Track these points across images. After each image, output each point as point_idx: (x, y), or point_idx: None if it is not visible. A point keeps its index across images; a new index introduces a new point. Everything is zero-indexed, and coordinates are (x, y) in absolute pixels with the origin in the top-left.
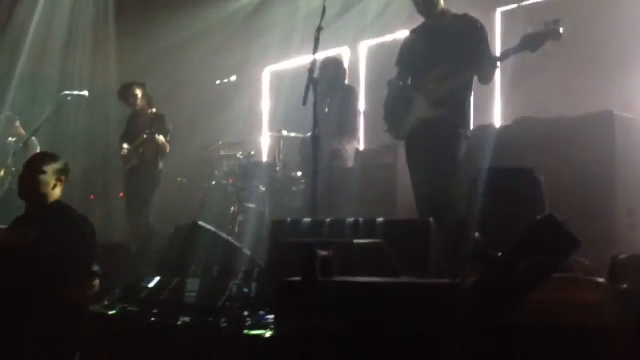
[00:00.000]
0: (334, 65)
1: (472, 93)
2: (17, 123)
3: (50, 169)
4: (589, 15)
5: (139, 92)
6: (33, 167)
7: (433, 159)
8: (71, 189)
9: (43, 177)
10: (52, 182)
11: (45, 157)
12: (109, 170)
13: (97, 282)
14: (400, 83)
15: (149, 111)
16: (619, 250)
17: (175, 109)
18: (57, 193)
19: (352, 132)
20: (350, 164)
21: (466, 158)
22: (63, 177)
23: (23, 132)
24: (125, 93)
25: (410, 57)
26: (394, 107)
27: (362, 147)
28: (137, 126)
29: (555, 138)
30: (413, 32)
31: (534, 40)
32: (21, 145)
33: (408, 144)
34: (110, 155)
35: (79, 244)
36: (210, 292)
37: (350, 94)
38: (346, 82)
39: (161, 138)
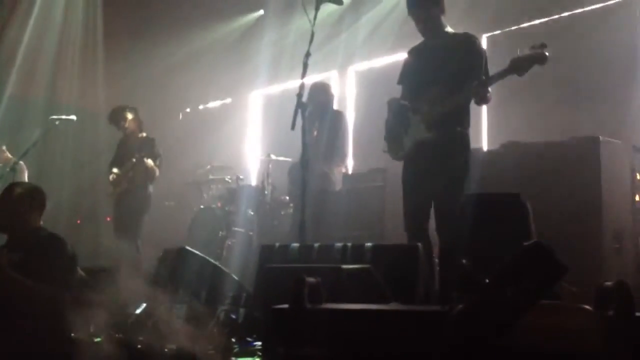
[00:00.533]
0: (322, 90)
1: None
2: (4, 147)
3: (25, 197)
4: (574, 41)
5: (130, 116)
6: (7, 197)
7: (428, 181)
8: (58, 212)
9: (18, 206)
10: (28, 210)
11: (17, 186)
12: (96, 194)
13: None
14: (404, 102)
15: (139, 135)
16: (606, 274)
17: (164, 132)
18: (35, 219)
19: (340, 156)
20: (338, 187)
21: None
22: (37, 204)
23: (10, 156)
24: (117, 116)
25: (410, 76)
26: (393, 127)
27: (350, 170)
28: (126, 150)
29: (541, 163)
30: (412, 51)
31: (521, 63)
32: (8, 169)
33: (404, 165)
34: (98, 179)
35: (58, 269)
36: (197, 318)
37: (338, 118)
38: (334, 106)
39: (150, 162)
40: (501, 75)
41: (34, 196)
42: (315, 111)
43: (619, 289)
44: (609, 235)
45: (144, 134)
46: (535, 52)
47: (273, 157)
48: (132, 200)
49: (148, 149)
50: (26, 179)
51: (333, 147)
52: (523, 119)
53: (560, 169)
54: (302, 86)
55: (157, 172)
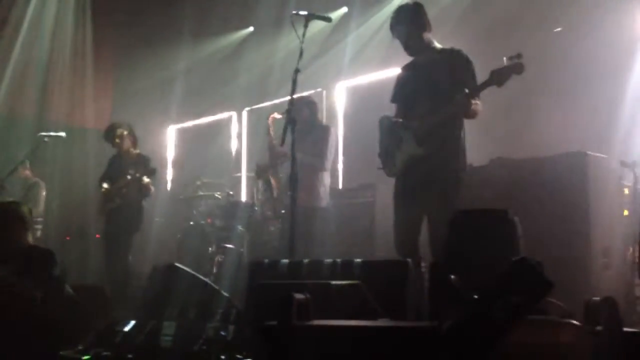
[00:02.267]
0: (306, 105)
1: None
2: (27, 164)
3: (8, 215)
4: (561, 56)
5: (125, 133)
6: None
7: (419, 196)
8: (47, 229)
9: (8, 224)
10: (11, 227)
11: (5, 205)
12: (85, 210)
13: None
14: (395, 119)
15: (133, 152)
16: (594, 289)
17: (153, 147)
18: (22, 236)
19: (323, 168)
20: (325, 202)
21: None
22: (24, 223)
23: (30, 173)
24: (112, 133)
25: (402, 92)
26: (385, 144)
27: (340, 185)
28: (120, 167)
29: (529, 178)
30: (404, 68)
31: (500, 74)
32: (26, 187)
33: (396, 180)
34: (87, 195)
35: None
36: (186, 335)
37: (325, 132)
38: (320, 120)
39: (146, 179)
40: (482, 86)
41: (18, 214)
42: (301, 126)
43: (607, 304)
44: (597, 250)
45: (138, 151)
46: (513, 62)
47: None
48: (125, 216)
49: (144, 165)
50: (43, 198)
51: (320, 161)
52: (510, 134)
53: (548, 184)
54: (291, 102)
55: (152, 189)
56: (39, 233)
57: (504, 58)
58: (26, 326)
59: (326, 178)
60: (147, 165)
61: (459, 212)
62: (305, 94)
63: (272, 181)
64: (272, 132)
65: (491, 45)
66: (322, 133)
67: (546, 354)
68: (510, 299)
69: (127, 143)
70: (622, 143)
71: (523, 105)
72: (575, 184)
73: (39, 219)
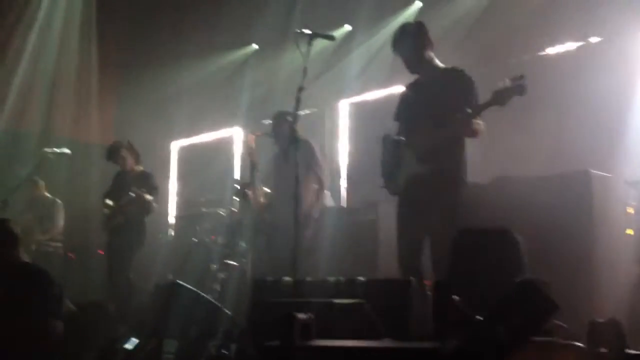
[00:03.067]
0: (284, 120)
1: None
2: (42, 183)
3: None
4: (566, 76)
5: (126, 151)
6: None
7: (422, 215)
8: (50, 247)
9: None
10: (7, 244)
11: None
12: (88, 227)
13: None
14: (397, 138)
15: (136, 169)
16: (598, 311)
17: (156, 164)
18: (12, 254)
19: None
20: (316, 213)
21: None
22: (14, 240)
23: (47, 194)
24: (114, 153)
25: (404, 111)
26: (388, 163)
27: (344, 204)
28: (124, 183)
29: (532, 197)
30: (408, 86)
31: (502, 94)
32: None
33: (399, 199)
34: (90, 212)
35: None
36: (188, 353)
37: (307, 146)
38: (300, 135)
39: (148, 196)
40: (484, 106)
41: (7, 230)
42: (280, 142)
43: (611, 326)
44: (601, 270)
45: (141, 168)
46: (515, 83)
47: (266, 189)
48: (127, 234)
49: (146, 183)
50: (62, 217)
51: (307, 176)
52: (513, 153)
53: (552, 203)
54: (295, 120)
55: (155, 206)
56: (60, 251)
57: (506, 79)
58: (29, 345)
59: (317, 194)
60: (150, 182)
61: (462, 231)
62: (307, 111)
63: (252, 198)
64: (253, 151)
65: (493, 64)
66: (307, 148)
67: None
68: (514, 320)
69: (129, 161)
70: (626, 162)
71: (526, 123)
72: (579, 203)
73: (59, 238)
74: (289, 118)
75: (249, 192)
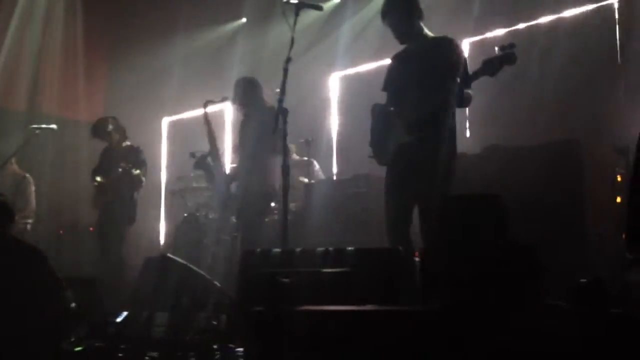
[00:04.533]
0: (249, 85)
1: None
2: (13, 160)
3: None
4: (553, 45)
5: (111, 127)
6: None
7: (410, 183)
8: (39, 223)
9: None
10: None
11: None
12: (78, 203)
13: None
14: (387, 107)
15: (123, 144)
16: (589, 275)
17: (146, 139)
18: (10, 231)
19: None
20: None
21: None
22: (9, 217)
23: (18, 170)
24: (98, 130)
25: (393, 81)
26: (377, 133)
27: (334, 176)
28: (111, 159)
29: (523, 166)
30: (395, 56)
31: (492, 64)
32: (15, 183)
33: (387, 169)
34: (80, 188)
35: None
36: (179, 325)
37: (268, 113)
38: (265, 101)
39: (136, 171)
40: (474, 76)
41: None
42: (242, 109)
43: (594, 286)
44: (591, 236)
45: (129, 143)
46: (505, 52)
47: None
48: (118, 209)
49: (134, 157)
50: (33, 193)
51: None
52: (504, 122)
53: (542, 172)
54: (282, 91)
55: (143, 181)
56: (28, 227)
57: (496, 48)
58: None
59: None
60: (138, 157)
61: (450, 198)
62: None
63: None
64: (209, 120)
65: (484, 35)
66: (269, 114)
67: (533, 338)
68: (503, 283)
69: (115, 137)
70: (616, 130)
71: (516, 93)
72: (570, 171)
73: (31, 215)
74: (252, 84)
75: (210, 161)
